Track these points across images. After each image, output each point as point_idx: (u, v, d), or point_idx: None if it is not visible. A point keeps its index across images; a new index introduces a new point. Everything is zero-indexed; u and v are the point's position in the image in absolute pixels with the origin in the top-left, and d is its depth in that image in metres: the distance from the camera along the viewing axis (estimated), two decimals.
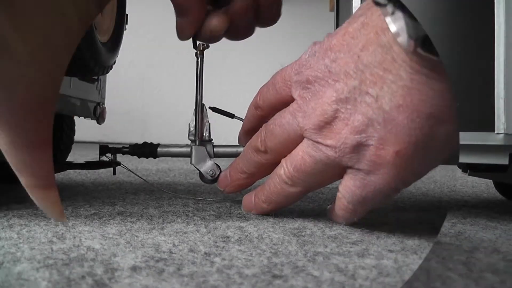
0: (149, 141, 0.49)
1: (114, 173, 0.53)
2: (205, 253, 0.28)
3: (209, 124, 0.47)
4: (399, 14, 0.28)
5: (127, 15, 0.54)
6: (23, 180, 0.26)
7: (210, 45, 0.44)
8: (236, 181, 0.42)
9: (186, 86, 2.07)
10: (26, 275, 0.23)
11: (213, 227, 0.35)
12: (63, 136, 0.58)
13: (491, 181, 0.69)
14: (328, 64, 0.34)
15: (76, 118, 0.59)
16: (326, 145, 0.34)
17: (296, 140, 0.36)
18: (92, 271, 0.24)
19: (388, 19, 0.29)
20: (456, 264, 0.27)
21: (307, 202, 0.50)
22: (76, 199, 0.47)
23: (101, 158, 0.50)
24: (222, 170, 0.45)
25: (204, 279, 0.23)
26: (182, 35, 0.39)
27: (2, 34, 0.22)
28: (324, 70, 0.34)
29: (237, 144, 0.46)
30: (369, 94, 0.32)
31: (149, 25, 2.37)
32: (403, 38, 0.29)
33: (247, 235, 0.33)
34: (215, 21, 0.39)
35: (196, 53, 0.46)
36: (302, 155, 0.35)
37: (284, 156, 0.37)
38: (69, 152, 0.60)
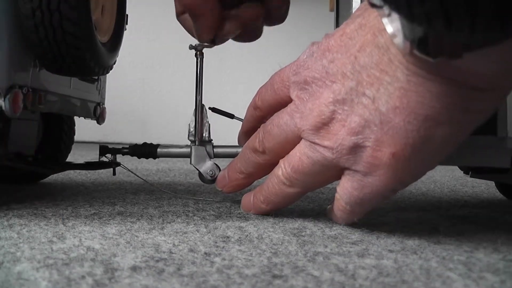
0: (149, 141, 0.49)
1: (114, 173, 0.53)
2: (205, 253, 0.28)
3: (209, 124, 0.47)
4: (395, 16, 0.28)
5: (127, 15, 0.54)
6: None
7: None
8: (234, 181, 0.42)
9: (186, 86, 2.07)
10: (26, 275, 0.23)
11: (213, 227, 0.36)
12: (63, 136, 0.58)
13: (492, 181, 0.69)
14: (325, 65, 0.34)
15: (76, 118, 0.59)
16: (323, 146, 0.34)
17: (294, 140, 0.36)
18: (92, 271, 0.24)
19: (385, 20, 0.29)
20: (456, 264, 0.27)
21: (307, 202, 0.50)
22: (76, 199, 0.47)
23: (100, 159, 0.50)
24: (221, 170, 0.45)
25: (204, 279, 0.23)
26: (201, 40, 0.41)
27: None
28: (321, 71, 0.34)
29: (237, 144, 0.46)
30: (366, 95, 0.32)
31: (149, 25, 2.37)
32: (399, 39, 0.28)
33: (247, 235, 0.33)
34: (228, 26, 0.40)
35: (195, 53, 0.46)
36: (300, 156, 0.35)
37: (282, 157, 0.37)
38: (69, 152, 0.60)
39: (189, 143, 0.47)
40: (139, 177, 0.54)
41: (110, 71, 0.51)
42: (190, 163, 0.47)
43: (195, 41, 0.45)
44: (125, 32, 0.54)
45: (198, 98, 0.46)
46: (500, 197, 0.62)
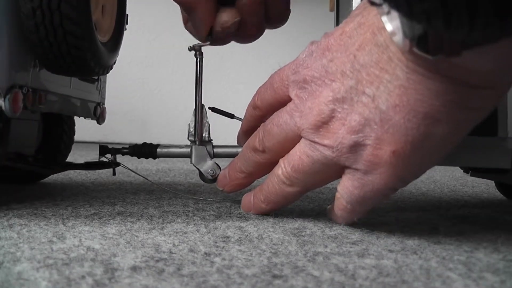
0: (149, 141, 0.49)
1: (114, 173, 0.53)
2: (205, 253, 0.28)
3: (209, 124, 0.47)
4: (394, 14, 0.28)
5: (127, 15, 0.54)
6: None
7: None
8: (234, 180, 0.42)
9: (186, 86, 2.07)
10: (26, 275, 0.23)
11: (213, 227, 0.36)
12: (63, 136, 0.58)
13: (492, 181, 0.69)
14: (325, 64, 0.34)
15: (76, 118, 0.59)
16: (323, 145, 0.34)
17: (294, 139, 0.36)
18: (92, 271, 0.24)
19: (384, 18, 0.29)
20: (456, 264, 0.27)
21: (307, 202, 0.50)
22: (76, 199, 0.47)
23: (100, 159, 0.50)
24: (222, 169, 0.45)
25: (204, 279, 0.23)
26: (198, 35, 0.41)
27: None
28: (321, 69, 0.34)
29: (237, 144, 0.46)
30: (366, 93, 0.32)
31: (149, 25, 2.36)
32: (398, 37, 0.28)
33: (247, 235, 0.33)
34: (225, 16, 0.40)
35: (195, 53, 0.46)
36: (300, 155, 0.35)
37: (282, 156, 0.37)
38: (69, 152, 0.60)
39: (189, 143, 0.47)
40: (140, 175, 0.54)
41: (110, 71, 0.50)
42: (191, 162, 0.47)
43: (195, 41, 0.45)
44: (125, 32, 0.54)
45: (198, 98, 0.46)
46: (500, 197, 0.62)
